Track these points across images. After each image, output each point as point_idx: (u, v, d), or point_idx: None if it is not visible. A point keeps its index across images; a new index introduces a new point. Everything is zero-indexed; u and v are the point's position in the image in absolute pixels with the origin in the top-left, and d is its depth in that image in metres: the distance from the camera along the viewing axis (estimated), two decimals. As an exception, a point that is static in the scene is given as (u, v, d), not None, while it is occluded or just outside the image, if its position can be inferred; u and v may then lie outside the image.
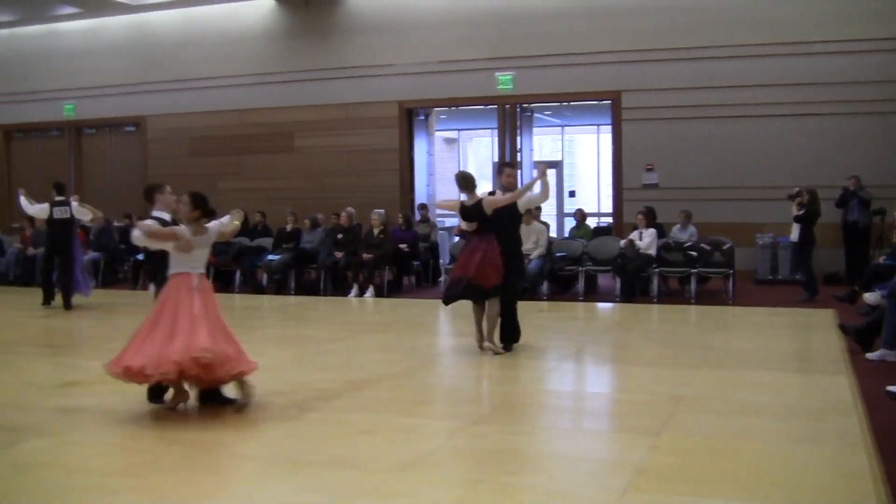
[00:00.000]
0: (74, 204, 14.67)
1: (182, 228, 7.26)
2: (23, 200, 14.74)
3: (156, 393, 7.33)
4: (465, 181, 10.04)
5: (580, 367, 9.89)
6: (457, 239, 17.41)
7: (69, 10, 21.39)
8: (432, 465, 5.90)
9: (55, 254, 14.74)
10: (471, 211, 9.87)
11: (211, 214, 7.40)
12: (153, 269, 7.82)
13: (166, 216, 7.70)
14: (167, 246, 7.22)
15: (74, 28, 22.28)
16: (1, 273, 19.43)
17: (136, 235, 7.37)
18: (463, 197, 10.08)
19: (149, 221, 7.47)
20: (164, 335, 6.98)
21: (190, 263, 7.22)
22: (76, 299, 14.79)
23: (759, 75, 16.95)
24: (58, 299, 14.77)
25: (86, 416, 7.26)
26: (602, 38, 17.88)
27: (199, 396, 7.32)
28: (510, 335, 10.09)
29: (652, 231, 15.14)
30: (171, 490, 5.44)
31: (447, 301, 10.19)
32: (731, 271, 14.88)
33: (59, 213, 14.58)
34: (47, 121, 22.82)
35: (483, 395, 8.46)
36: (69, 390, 8.07)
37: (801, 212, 14.50)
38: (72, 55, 22.23)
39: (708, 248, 15.13)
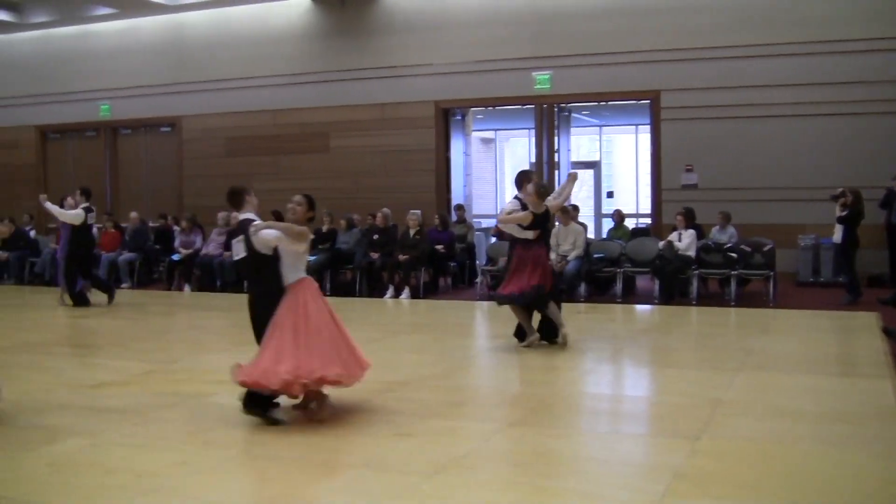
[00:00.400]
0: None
1: (304, 228, 7.08)
2: (51, 206, 14.95)
3: (259, 402, 6.99)
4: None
5: (618, 370, 9.87)
6: (493, 240, 17.42)
7: (104, 10, 21.58)
8: (468, 467, 5.91)
9: (86, 257, 15.31)
10: (541, 218, 10.16)
11: (314, 220, 7.44)
12: (250, 275, 7.38)
13: (256, 218, 7.35)
14: (292, 246, 6.99)
15: (110, 28, 22.48)
16: (37, 273, 19.65)
17: (269, 235, 6.94)
18: (516, 198, 10.35)
19: (262, 224, 7.08)
20: (305, 349, 6.86)
21: (303, 268, 7.17)
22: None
23: (801, 74, 16.80)
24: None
25: (120, 417, 7.34)
26: (641, 37, 17.80)
27: (246, 401, 7.04)
28: (548, 331, 10.48)
29: (691, 232, 15.06)
30: (205, 491, 5.49)
31: (532, 307, 10.43)
32: (772, 273, 14.76)
33: (91, 218, 15.21)
34: (83, 121, 23.03)
35: (519, 397, 8.45)
36: (104, 391, 8.16)
37: (845, 213, 14.37)
38: (107, 55, 22.44)
39: (748, 249, 15.02)
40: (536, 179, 10.64)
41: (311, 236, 7.15)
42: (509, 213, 10.30)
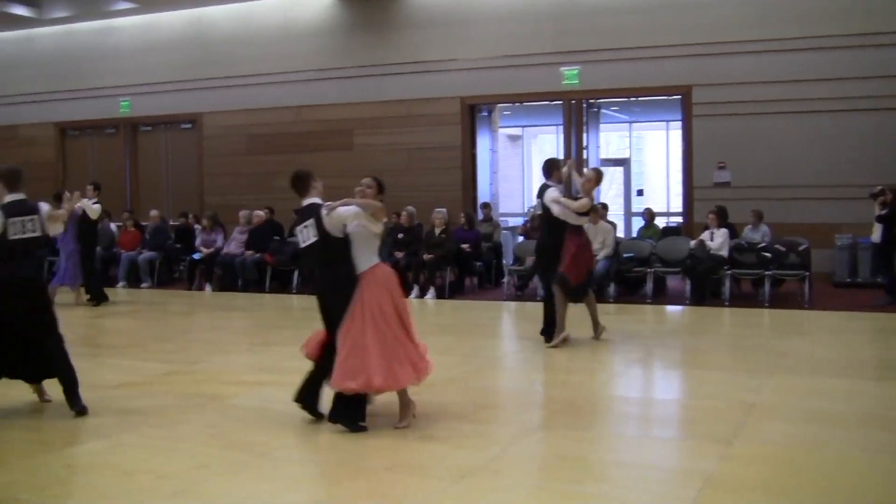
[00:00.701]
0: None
1: (381, 204, 6.95)
2: (84, 202, 14.79)
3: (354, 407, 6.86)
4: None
5: (648, 372, 9.84)
6: (521, 239, 17.41)
7: (125, 5, 21.71)
8: (494, 472, 5.91)
9: (90, 254, 15.70)
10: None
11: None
12: (320, 262, 7.16)
13: (323, 203, 7.12)
14: (370, 225, 6.82)
15: (130, 24, 22.61)
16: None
17: (347, 212, 6.80)
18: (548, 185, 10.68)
19: (339, 202, 6.91)
20: (395, 344, 6.77)
21: (375, 252, 6.99)
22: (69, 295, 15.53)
23: (839, 67, 16.68)
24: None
25: (141, 418, 7.39)
26: (672, 31, 17.72)
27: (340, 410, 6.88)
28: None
29: (724, 231, 14.99)
30: (226, 495, 5.52)
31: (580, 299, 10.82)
32: (808, 273, 14.67)
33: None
34: (103, 118, 23.17)
35: (547, 399, 8.45)
36: (124, 392, 8.21)
37: (884, 211, 14.28)
38: (127, 51, 22.56)
39: (783, 249, 14.94)
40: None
41: (386, 218, 7.03)
42: (560, 199, 10.54)
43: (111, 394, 8.30)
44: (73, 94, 23.23)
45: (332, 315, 6.97)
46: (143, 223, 20.07)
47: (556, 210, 10.48)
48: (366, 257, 6.90)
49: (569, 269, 10.46)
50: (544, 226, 10.92)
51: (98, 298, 15.48)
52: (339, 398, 6.79)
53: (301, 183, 7.20)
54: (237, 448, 6.49)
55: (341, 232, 6.87)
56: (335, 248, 6.92)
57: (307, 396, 7.11)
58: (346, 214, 6.80)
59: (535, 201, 12.86)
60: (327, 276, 7.08)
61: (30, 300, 7.47)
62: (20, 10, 22.16)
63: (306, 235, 7.07)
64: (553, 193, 10.57)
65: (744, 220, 15.89)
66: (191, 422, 7.26)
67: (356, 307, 6.78)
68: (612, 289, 15.35)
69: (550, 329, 10.64)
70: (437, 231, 16.56)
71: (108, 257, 19.29)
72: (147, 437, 6.86)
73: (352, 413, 6.79)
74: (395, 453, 6.30)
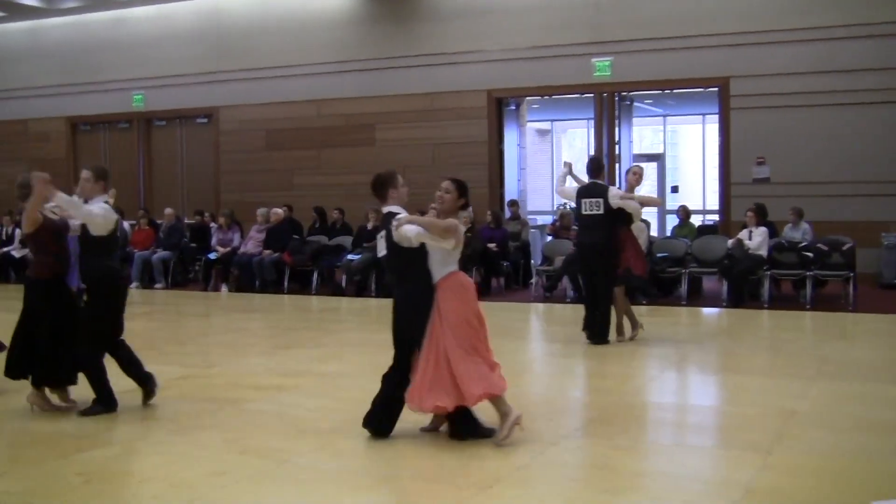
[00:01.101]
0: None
1: (451, 221, 6.76)
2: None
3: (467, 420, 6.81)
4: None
5: (683, 377, 9.81)
6: (550, 238, 17.37)
7: (139, -6, 21.87)
8: (523, 481, 5.90)
9: None
10: None
11: (467, 206, 7.08)
12: (394, 273, 7.11)
13: (403, 212, 6.97)
14: (438, 244, 6.69)
15: (144, 14, 22.72)
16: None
17: (416, 231, 6.62)
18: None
19: (405, 217, 6.79)
20: (473, 358, 6.65)
21: (454, 262, 6.88)
22: None
23: (882, 57, 16.56)
24: None
25: (155, 424, 7.43)
26: (709, 19, 17.65)
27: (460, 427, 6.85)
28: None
29: (763, 230, 14.92)
30: (243, 503, 5.53)
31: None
32: (852, 274, 14.57)
33: None
34: (115, 112, 23.27)
35: (578, 406, 8.44)
36: (137, 396, 8.23)
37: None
38: (141, 43, 22.66)
39: (825, 248, 14.84)
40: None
41: (463, 228, 6.87)
42: (634, 196, 11.13)
43: (125, 398, 8.31)
44: (84, 87, 23.37)
45: (401, 329, 6.90)
46: (158, 221, 20.17)
47: (632, 206, 10.85)
48: (442, 266, 6.79)
49: (636, 264, 11.05)
50: (603, 226, 10.85)
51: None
52: (455, 417, 6.72)
53: (379, 189, 7.08)
54: (255, 455, 6.50)
55: (412, 245, 6.76)
56: (409, 261, 6.81)
57: (385, 424, 6.89)
58: (409, 235, 6.67)
59: (568, 200, 12.90)
60: (402, 289, 6.98)
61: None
62: (30, 1, 22.32)
63: (381, 246, 7.02)
64: (618, 191, 11.03)
65: (784, 217, 15.80)
66: (207, 427, 7.28)
67: (435, 321, 6.69)
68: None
69: (601, 329, 10.88)
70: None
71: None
72: (162, 444, 6.89)
73: (469, 427, 6.76)
74: (420, 461, 6.29)
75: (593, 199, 10.80)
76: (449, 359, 6.56)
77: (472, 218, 16.74)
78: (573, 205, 11.63)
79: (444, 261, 6.76)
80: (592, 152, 19.51)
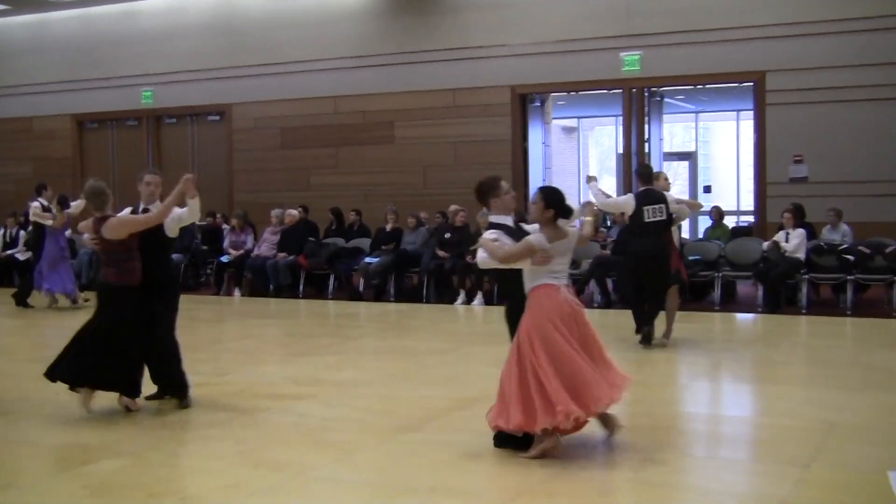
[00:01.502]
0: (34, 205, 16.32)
1: (537, 238, 6.71)
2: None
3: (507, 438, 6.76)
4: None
5: (717, 387, 9.79)
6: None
7: (148, -13, 21.96)
8: (546, 495, 5.90)
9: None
10: None
11: (567, 213, 6.90)
12: (504, 288, 7.27)
13: (508, 220, 7.01)
14: (522, 263, 6.73)
15: (153, 7, 22.80)
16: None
17: (483, 258, 6.81)
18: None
19: (490, 234, 6.80)
20: (561, 379, 6.50)
21: (551, 274, 6.81)
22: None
23: (928, 51, 16.53)
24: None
25: (166, 434, 7.45)
26: (743, 11, 17.58)
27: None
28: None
29: (800, 231, 14.87)
30: (258, 517, 5.55)
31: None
32: (895, 278, 14.54)
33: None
34: (123, 109, 23.33)
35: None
36: (149, 405, 8.27)
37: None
38: (150, 37, 22.73)
39: (867, 250, 14.78)
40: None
41: (546, 246, 6.69)
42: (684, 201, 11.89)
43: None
44: (91, 83, 23.43)
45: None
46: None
47: (685, 210, 11.74)
48: (530, 279, 6.79)
49: (679, 265, 11.57)
50: (663, 231, 11.29)
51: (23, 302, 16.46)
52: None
53: (481, 197, 7.18)
54: (270, 467, 6.51)
55: None
56: (501, 275, 7.10)
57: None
58: (479, 264, 6.91)
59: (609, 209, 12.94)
60: (505, 297, 7.26)
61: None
62: (35, -7, 22.45)
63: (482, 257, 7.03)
64: (673, 196, 11.61)
65: (822, 219, 15.73)
66: (220, 438, 7.30)
67: (519, 336, 6.74)
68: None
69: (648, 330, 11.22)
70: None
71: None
72: (173, 455, 6.91)
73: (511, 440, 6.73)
74: (440, 473, 6.29)
75: (656, 206, 11.15)
76: (536, 380, 6.51)
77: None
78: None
79: (531, 274, 6.77)
80: (621, 150, 19.45)
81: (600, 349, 6.81)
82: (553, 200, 6.82)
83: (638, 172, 11.60)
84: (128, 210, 8.48)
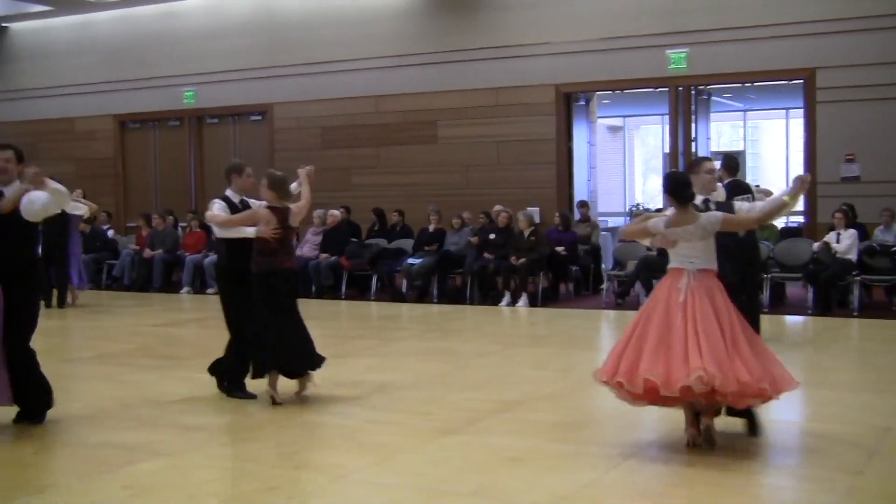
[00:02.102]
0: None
1: (653, 222, 7.09)
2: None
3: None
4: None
5: (765, 391, 9.70)
6: (620, 243, 17.30)
7: (189, -13, 22.08)
8: (589, 499, 5.87)
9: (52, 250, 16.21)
10: None
11: (689, 199, 7.05)
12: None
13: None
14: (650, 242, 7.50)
15: (194, 7, 22.94)
16: (115, 277, 20.10)
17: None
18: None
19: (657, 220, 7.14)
20: (652, 348, 6.72)
21: (685, 257, 6.96)
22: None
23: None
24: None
25: (205, 435, 7.50)
26: (792, 6, 17.43)
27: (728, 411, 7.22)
28: None
29: (852, 232, 14.75)
30: (298, 520, 5.57)
31: None
32: (951, 280, 14.40)
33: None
34: (165, 109, 23.51)
35: (649, 420, 8.35)
36: (188, 406, 8.33)
37: None
38: (192, 37, 22.87)
39: (921, 252, 14.68)
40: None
41: (660, 230, 7.01)
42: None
43: (174, 409, 8.42)
44: (133, 84, 23.60)
45: None
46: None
47: (760, 203, 11.31)
48: (672, 257, 7.07)
49: None
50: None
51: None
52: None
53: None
54: (310, 469, 6.53)
55: None
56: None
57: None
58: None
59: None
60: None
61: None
62: (76, -6, 22.64)
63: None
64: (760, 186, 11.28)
65: (874, 219, 15.59)
66: (260, 440, 7.33)
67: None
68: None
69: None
70: (526, 233, 16.51)
71: (172, 261, 19.63)
72: (212, 457, 6.95)
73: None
74: (481, 477, 6.28)
75: (745, 196, 10.82)
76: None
77: (532, 220, 16.74)
78: (646, 205, 11.81)
79: (671, 255, 7.06)
80: (667, 150, 19.36)
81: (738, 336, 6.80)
82: (670, 186, 7.06)
83: (724, 164, 11.28)
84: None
